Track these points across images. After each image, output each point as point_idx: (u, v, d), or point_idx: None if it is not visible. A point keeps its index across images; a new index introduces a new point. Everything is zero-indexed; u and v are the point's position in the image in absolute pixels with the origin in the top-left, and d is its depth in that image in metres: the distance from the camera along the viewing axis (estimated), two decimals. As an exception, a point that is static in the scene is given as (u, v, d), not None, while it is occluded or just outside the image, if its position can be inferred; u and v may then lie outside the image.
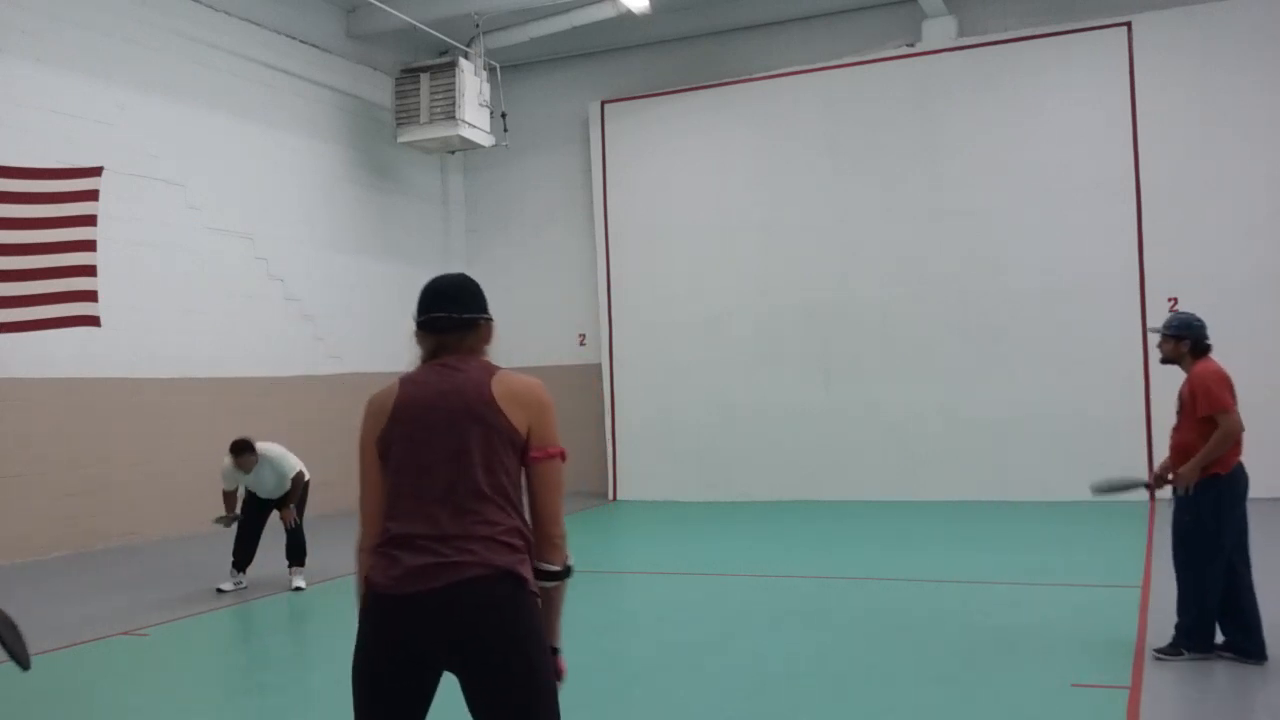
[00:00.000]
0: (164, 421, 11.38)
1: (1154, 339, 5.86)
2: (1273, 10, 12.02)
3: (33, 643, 6.39)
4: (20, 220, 8.45)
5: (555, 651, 2.71)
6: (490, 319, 2.80)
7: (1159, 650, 5.62)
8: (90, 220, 8.82)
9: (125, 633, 7.01)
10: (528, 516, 2.70)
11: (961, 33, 13.43)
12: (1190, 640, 5.56)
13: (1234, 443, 5.46)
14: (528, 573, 2.61)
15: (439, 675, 2.61)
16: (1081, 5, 12.97)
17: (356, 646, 2.61)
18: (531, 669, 2.55)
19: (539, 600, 2.64)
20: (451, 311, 2.73)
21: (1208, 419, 5.44)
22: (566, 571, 2.72)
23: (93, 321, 8.85)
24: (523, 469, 2.69)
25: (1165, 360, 5.76)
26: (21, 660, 3.60)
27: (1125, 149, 12.46)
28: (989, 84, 13.13)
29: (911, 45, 13.57)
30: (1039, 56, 12.92)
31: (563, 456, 2.69)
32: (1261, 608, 5.51)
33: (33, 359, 9.91)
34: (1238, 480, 5.52)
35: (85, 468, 10.55)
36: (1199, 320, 5.69)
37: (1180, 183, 12.26)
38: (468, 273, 3.00)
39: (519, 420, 2.64)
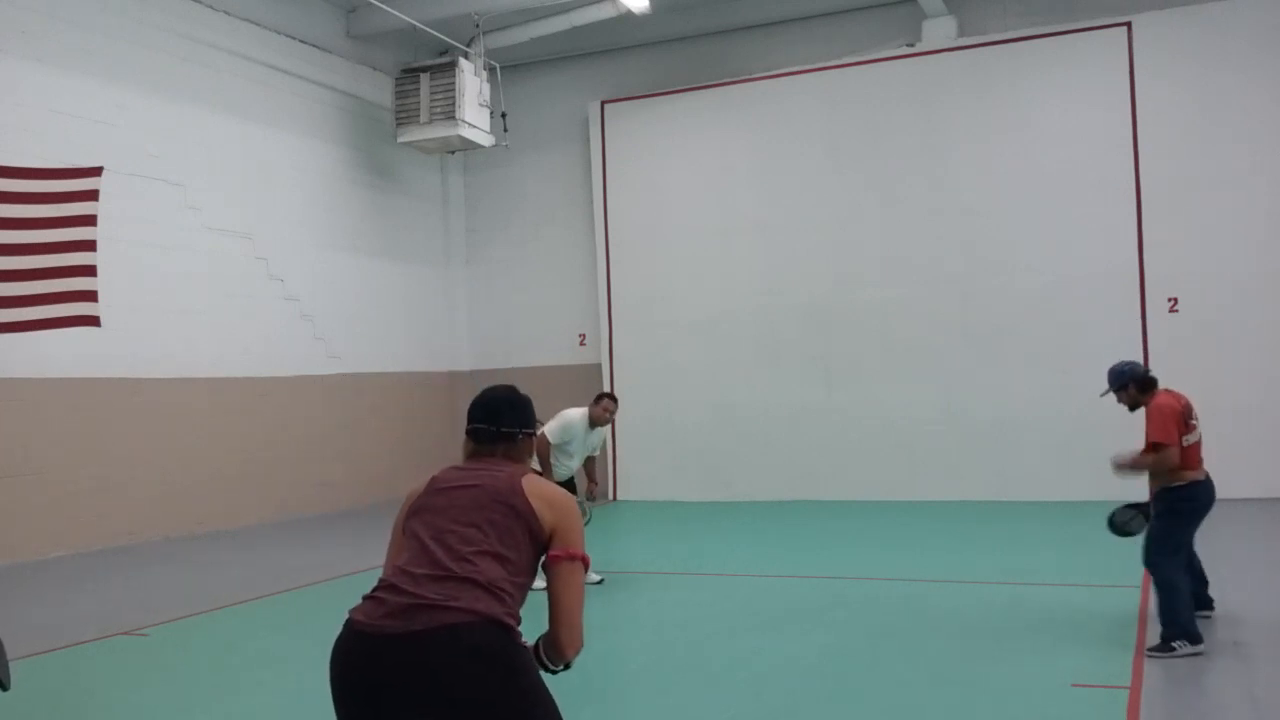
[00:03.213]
0: (164, 421, 11.37)
1: (1109, 400, 6.37)
2: (1273, 10, 12.02)
3: (32, 643, 6.42)
4: (20, 220, 8.45)
5: None
6: (531, 433, 3.00)
7: (1151, 649, 5.69)
8: (90, 220, 8.82)
9: (125, 633, 7.00)
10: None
11: (961, 33, 13.43)
12: (1173, 631, 5.66)
13: (1169, 470, 5.92)
14: (514, 621, 2.62)
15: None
16: (1081, 5, 12.97)
17: (330, 682, 2.60)
18: (521, 717, 2.54)
19: (526, 646, 2.66)
20: (490, 424, 2.96)
21: (1156, 444, 5.97)
22: (564, 667, 2.78)
23: (93, 321, 8.85)
24: (541, 567, 2.76)
25: (1132, 409, 6.25)
26: (2, 680, 3.56)
27: (1125, 149, 12.46)
28: (989, 84, 13.13)
29: (911, 45, 13.57)
30: (1039, 56, 12.92)
31: (585, 563, 2.77)
32: (1260, 606, 5.52)
33: (33, 359, 9.90)
34: (1189, 497, 5.96)
35: (85, 468, 10.55)
36: (1129, 364, 6.38)
37: (1180, 183, 12.25)
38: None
39: (545, 516, 2.74)
